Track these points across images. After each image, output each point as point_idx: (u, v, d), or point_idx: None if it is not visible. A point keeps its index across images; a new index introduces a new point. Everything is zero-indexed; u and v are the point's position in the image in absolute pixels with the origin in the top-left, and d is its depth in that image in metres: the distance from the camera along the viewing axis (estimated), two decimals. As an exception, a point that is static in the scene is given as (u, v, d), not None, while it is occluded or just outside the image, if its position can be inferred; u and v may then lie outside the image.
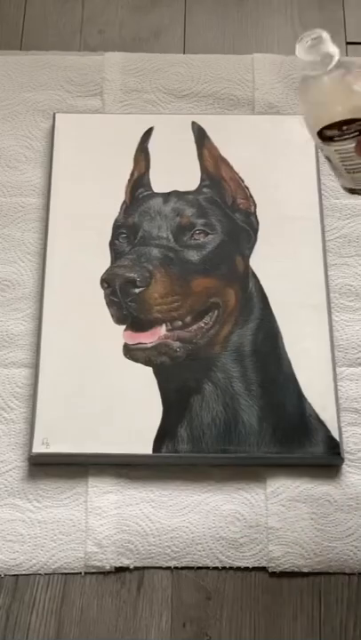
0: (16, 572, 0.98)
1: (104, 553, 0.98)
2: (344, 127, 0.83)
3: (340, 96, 0.83)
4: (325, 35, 0.82)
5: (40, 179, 1.20)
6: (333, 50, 0.82)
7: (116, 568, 0.98)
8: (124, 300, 1.05)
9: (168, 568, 0.99)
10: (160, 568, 0.99)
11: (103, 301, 1.07)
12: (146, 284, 1.04)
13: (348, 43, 1.32)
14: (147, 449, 1.02)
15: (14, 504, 1.01)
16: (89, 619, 0.96)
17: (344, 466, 1.03)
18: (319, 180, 1.19)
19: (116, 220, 1.15)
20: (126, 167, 1.19)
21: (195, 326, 1.07)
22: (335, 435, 1.03)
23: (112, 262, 1.11)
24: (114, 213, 1.15)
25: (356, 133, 0.83)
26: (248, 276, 1.11)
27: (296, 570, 0.98)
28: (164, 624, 0.96)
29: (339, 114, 0.83)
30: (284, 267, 1.12)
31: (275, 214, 1.15)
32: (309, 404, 1.05)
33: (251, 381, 1.06)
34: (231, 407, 1.04)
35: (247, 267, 1.12)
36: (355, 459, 1.04)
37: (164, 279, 1.06)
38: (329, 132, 0.84)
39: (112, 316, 1.07)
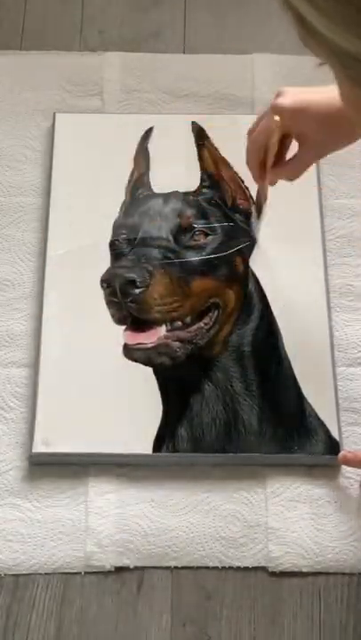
0: (16, 572, 0.98)
1: (104, 553, 0.98)
2: None
3: None
4: None
5: (40, 179, 1.20)
6: None
7: (116, 568, 0.98)
8: (123, 300, 1.04)
9: (168, 568, 0.99)
10: (160, 568, 0.99)
11: (103, 301, 1.07)
12: (146, 284, 1.04)
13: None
14: (147, 449, 1.02)
15: (14, 504, 1.01)
16: (89, 618, 0.96)
17: (344, 466, 1.03)
18: (319, 179, 1.19)
19: (116, 221, 1.15)
20: (126, 167, 1.19)
21: (195, 327, 1.07)
22: (335, 435, 1.03)
23: (112, 263, 1.11)
24: (114, 213, 1.15)
25: None
26: (248, 277, 1.11)
27: (296, 570, 0.98)
28: (164, 624, 0.96)
29: None
30: (284, 267, 1.13)
31: (275, 214, 1.15)
32: (309, 404, 1.05)
33: (251, 381, 1.06)
34: (231, 407, 1.04)
35: (247, 267, 1.12)
36: (355, 459, 1.04)
37: (163, 280, 1.06)
38: None
39: (112, 316, 1.06)
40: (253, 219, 1.12)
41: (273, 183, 1.04)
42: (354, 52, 0.48)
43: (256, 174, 1.03)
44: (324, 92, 0.92)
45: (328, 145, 0.98)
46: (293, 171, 1.00)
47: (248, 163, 1.02)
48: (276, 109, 0.95)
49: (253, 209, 1.12)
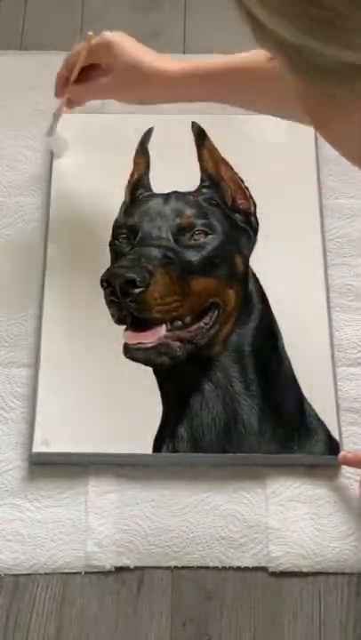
0: (16, 572, 0.98)
1: (104, 553, 0.98)
2: None
3: None
4: None
5: (40, 179, 1.20)
6: None
7: (116, 568, 0.98)
8: (123, 300, 1.04)
9: (168, 568, 0.99)
10: (160, 568, 0.99)
11: (103, 301, 1.07)
12: (146, 284, 1.03)
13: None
14: (147, 449, 1.02)
15: (14, 504, 1.01)
16: (89, 618, 0.96)
17: (344, 466, 1.03)
18: (319, 179, 1.19)
19: (116, 221, 1.15)
20: (126, 167, 1.19)
21: (195, 326, 1.07)
22: (335, 435, 1.03)
23: (112, 262, 1.11)
24: (114, 213, 1.15)
25: None
26: (248, 276, 1.11)
27: (296, 570, 0.98)
28: (164, 624, 0.96)
29: None
30: (284, 267, 1.12)
31: (275, 214, 1.15)
32: (309, 404, 1.05)
33: (251, 381, 1.06)
34: (231, 407, 1.04)
35: (247, 267, 1.12)
36: (355, 459, 1.04)
37: (164, 279, 1.05)
38: None
39: (112, 316, 1.06)
40: (46, 133, 1.18)
41: (70, 104, 1.13)
42: (294, 43, 0.53)
43: (58, 88, 1.11)
44: (147, 51, 1.04)
45: (116, 89, 1.08)
46: (80, 92, 1.10)
47: (57, 75, 1.11)
48: (97, 36, 1.05)
49: (50, 124, 1.17)
